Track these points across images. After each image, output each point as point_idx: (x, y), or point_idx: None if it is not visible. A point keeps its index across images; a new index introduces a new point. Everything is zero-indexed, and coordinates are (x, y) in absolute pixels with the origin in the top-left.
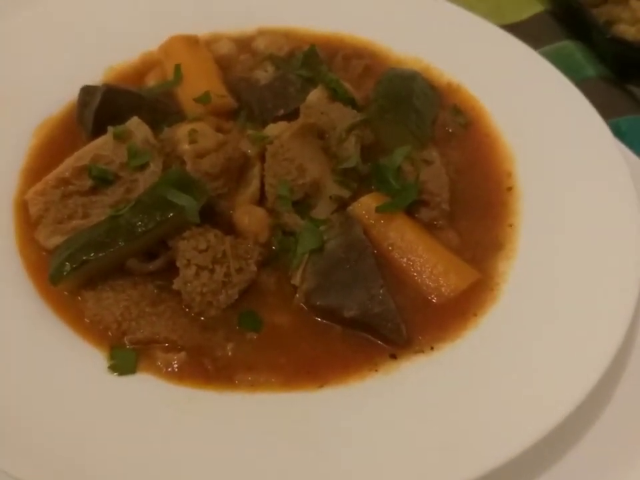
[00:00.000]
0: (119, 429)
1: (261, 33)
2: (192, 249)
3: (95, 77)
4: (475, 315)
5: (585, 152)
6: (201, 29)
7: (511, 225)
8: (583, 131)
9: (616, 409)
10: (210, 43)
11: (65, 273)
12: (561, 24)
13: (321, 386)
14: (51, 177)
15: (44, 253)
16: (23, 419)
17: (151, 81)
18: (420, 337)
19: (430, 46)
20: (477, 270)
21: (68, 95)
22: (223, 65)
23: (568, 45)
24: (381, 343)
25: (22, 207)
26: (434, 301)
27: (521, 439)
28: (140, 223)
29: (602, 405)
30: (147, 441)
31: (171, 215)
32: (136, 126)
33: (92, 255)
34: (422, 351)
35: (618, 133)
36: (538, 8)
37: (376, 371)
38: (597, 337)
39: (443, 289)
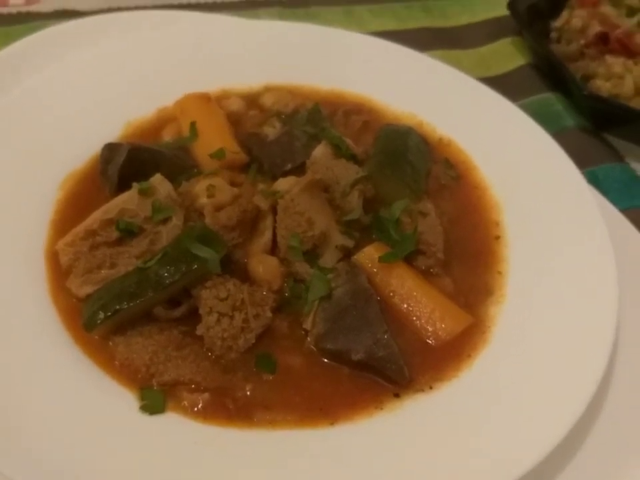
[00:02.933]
0: (151, 464)
1: (268, 89)
2: (213, 297)
3: (114, 131)
4: (469, 356)
5: (562, 201)
6: (212, 85)
7: (499, 272)
8: (560, 182)
9: (600, 433)
10: (220, 99)
11: (98, 321)
12: (542, 77)
13: (332, 423)
14: (80, 228)
15: (74, 300)
16: (63, 459)
17: (167, 136)
18: (420, 377)
19: (422, 102)
20: (470, 314)
21: (90, 149)
22: (233, 120)
23: (549, 97)
24: (386, 383)
25: (52, 257)
26: (432, 343)
27: (514, 468)
28: (167, 274)
29: (585, 433)
30: (176, 475)
31: (195, 266)
32: (159, 182)
33: (124, 304)
34: (422, 390)
35: (595, 180)
36: (521, 61)
37: (381, 409)
38: (579, 375)
39: (440, 333)
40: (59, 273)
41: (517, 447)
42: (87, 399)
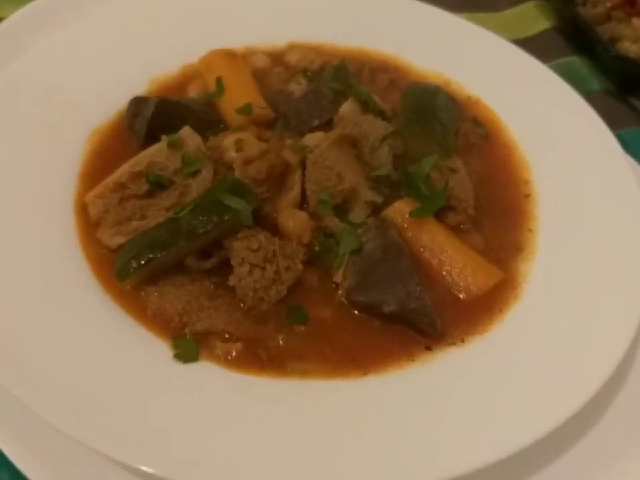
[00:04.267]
0: (185, 412)
1: (292, 47)
2: (245, 248)
3: (139, 87)
4: (501, 310)
5: (594, 161)
6: (236, 42)
7: (530, 230)
8: (592, 142)
9: (625, 403)
10: (246, 56)
11: (131, 270)
12: (567, 40)
13: (365, 374)
14: (109, 181)
15: (105, 251)
16: (98, 405)
17: (193, 91)
18: (452, 331)
19: (449, 61)
20: (500, 270)
21: (116, 104)
22: (259, 77)
23: (574, 60)
24: (417, 336)
25: (82, 209)
26: (463, 298)
27: (545, 422)
28: (199, 224)
29: (614, 397)
30: (209, 423)
31: (227, 217)
32: (188, 135)
33: (157, 253)
34: (454, 343)
35: (622, 143)
36: (546, 24)
37: (413, 361)
38: (610, 330)
39: (472, 287)
40: (89, 224)
41: (548, 402)
42: (120, 348)
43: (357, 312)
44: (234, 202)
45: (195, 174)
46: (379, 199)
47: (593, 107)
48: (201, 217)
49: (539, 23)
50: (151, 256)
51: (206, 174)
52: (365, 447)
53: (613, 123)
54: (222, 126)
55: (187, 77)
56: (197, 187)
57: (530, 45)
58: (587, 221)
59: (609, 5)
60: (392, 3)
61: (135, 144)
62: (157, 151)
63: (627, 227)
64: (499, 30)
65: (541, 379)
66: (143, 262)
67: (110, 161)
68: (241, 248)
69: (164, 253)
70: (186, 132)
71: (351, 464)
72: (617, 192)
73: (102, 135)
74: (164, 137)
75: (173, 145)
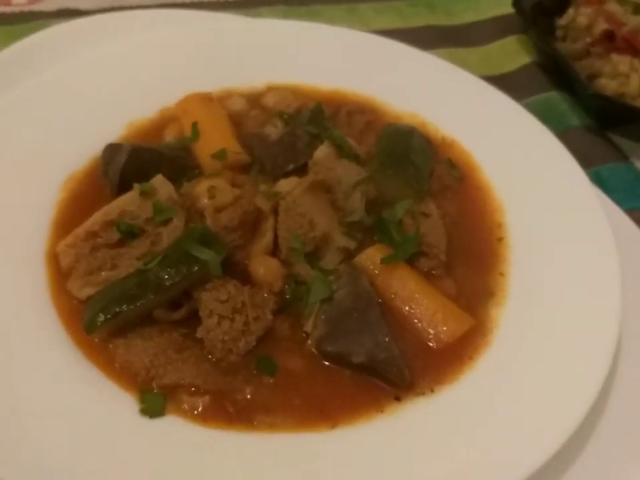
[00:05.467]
0: (150, 467)
1: (270, 89)
2: (214, 299)
3: (117, 132)
4: (471, 358)
5: (566, 203)
6: (214, 85)
7: (501, 274)
8: (564, 183)
9: (602, 436)
10: (222, 99)
11: (99, 323)
12: (548, 75)
13: (333, 427)
14: (81, 230)
15: (75, 302)
16: (62, 462)
17: (169, 136)
18: (421, 380)
19: (425, 102)
20: (471, 316)
21: (92, 150)
22: (235, 120)
23: (554, 96)
24: (387, 386)
25: (53, 259)
26: (433, 346)
27: (516, 471)
28: (167, 276)
29: (588, 437)
30: (176, 478)
31: (196, 268)
32: (160, 183)
33: (124, 306)
34: (423, 393)
35: (599, 180)
36: (526, 59)
37: (382, 412)
38: (581, 376)
39: (442, 335)
40: (60, 274)
41: (519, 450)
42: (87, 401)
43: (326, 362)
44: (202, 253)
45: (166, 222)
46: (352, 245)
47: (571, 143)
48: (169, 269)
49: (520, 57)
50: (118, 309)
51: (177, 222)
52: None
53: (591, 159)
54: (197, 171)
55: (165, 121)
56: (168, 235)
57: (510, 80)
58: (560, 265)
59: (588, 40)
60: (370, 44)
61: (110, 192)
62: (129, 200)
63: (599, 272)
64: (480, 65)
65: (512, 427)
66: (110, 315)
67: (85, 209)
68: (209, 299)
69: (132, 306)
70: (158, 180)
71: None
72: (590, 235)
73: (77, 181)
74: (136, 185)
75: (144, 193)
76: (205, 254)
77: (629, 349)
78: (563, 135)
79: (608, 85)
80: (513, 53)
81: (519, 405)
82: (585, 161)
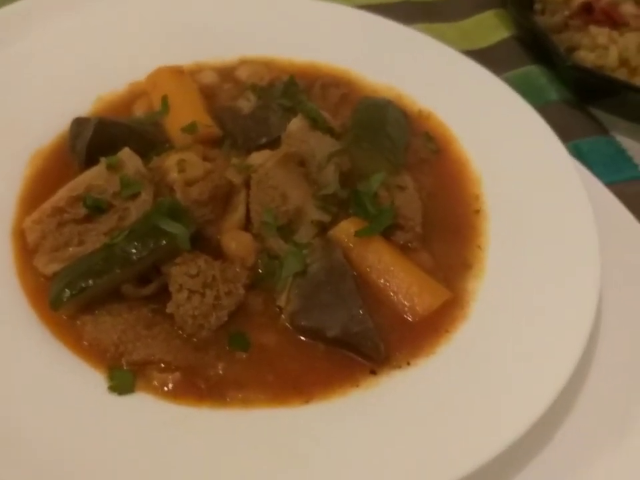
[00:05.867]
0: (120, 445)
1: (243, 62)
2: (183, 274)
3: (85, 107)
4: (447, 331)
5: (544, 175)
6: (185, 59)
7: (479, 246)
8: (542, 155)
9: (581, 411)
10: (194, 72)
11: (65, 299)
12: (526, 49)
13: (307, 402)
14: (47, 205)
15: (42, 279)
16: (27, 437)
17: (138, 110)
18: (397, 353)
19: (401, 74)
20: (448, 289)
21: (59, 125)
22: (207, 94)
23: (533, 70)
24: (362, 360)
25: (19, 235)
26: (409, 319)
27: (493, 445)
28: (135, 250)
29: (567, 409)
30: (145, 457)
31: (164, 242)
32: (127, 156)
33: (90, 282)
34: (399, 367)
35: (579, 153)
36: (505, 33)
37: (357, 386)
38: (559, 348)
39: (418, 308)
40: (26, 251)
41: (496, 422)
42: (55, 379)
43: (301, 337)
44: (171, 226)
45: (134, 197)
46: (326, 218)
47: (551, 117)
48: (136, 243)
49: (499, 32)
50: (84, 285)
51: (145, 196)
52: (306, 477)
53: (571, 132)
54: (167, 145)
55: (135, 95)
56: (136, 210)
57: (489, 54)
58: (538, 237)
59: (566, 13)
60: (345, 16)
61: (77, 167)
62: (96, 174)
63: (577, 243)
64: (459, 40)
65: (490, 399)
66: (76, 291)
67: (53, 185)
68: (179, 273)
69: (98, 281)
70: (125, 153)
71: None
72: (568, 206)
73: (44, 157)
74: (102, 159)
75: (111, 167)
76: (174, 227)
77: (608, 319)
78: (542, 109)
79: (587, 58)
80: (492, 27)
81: (496, 377)
82: (565, 134)
